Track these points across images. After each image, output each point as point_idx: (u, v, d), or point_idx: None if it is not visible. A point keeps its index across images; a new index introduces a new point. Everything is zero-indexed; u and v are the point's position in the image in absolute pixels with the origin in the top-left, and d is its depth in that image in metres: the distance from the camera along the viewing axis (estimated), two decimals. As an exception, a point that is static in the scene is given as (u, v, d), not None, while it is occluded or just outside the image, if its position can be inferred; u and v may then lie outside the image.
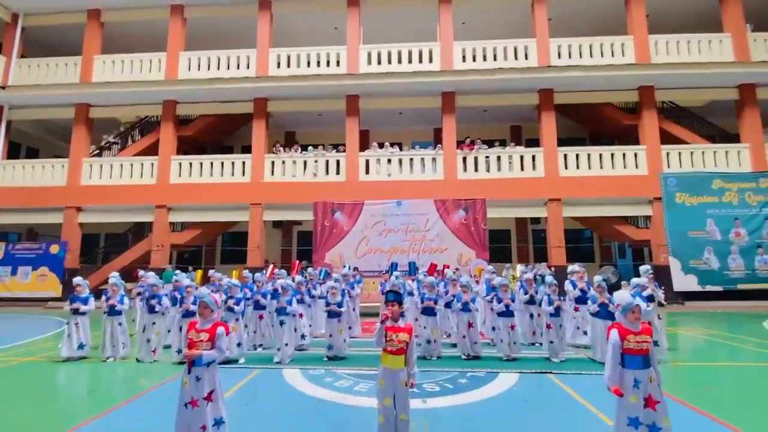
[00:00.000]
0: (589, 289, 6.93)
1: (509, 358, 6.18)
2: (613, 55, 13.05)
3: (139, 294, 7.96)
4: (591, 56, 13.10)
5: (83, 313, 6.48)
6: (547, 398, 4.65)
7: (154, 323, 6.43)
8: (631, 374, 2.96)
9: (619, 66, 12.74)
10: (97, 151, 15.17)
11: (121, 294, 6.65)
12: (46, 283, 13.47)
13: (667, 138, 13.26)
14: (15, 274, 13.64)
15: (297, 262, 10.20)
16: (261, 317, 7.16)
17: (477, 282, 8.66)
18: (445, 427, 3.82)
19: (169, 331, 6.92)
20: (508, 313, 6.33)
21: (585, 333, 6.97)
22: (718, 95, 13.38)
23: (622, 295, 3.17)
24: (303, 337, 7.01)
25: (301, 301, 7.23)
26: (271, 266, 9.19)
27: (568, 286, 7.18)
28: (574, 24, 14.63)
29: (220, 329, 3.30)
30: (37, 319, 11.04)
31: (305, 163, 13.67)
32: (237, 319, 6.45)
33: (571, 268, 7.38)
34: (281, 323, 6.23)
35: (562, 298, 6.39)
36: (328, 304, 6.54)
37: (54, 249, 13.67)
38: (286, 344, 6.20)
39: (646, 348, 2.98)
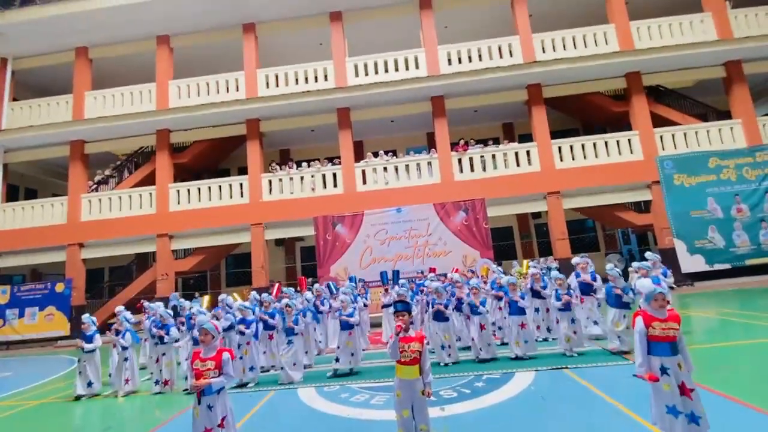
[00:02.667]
0: (595, 279, 6.89)
1: (522, 356, 6.13)
2: (596, 45, 13.15)
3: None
4: (575, 48, 13.21)
5: (91, 351, 6.45)
6: (566, 394, 4.60)
7: (164, 354, 6.39)
8: (658, 361, 2.94)
9: (604, 55, 12.83)
10: (95, 186, 15.25)
11: (126, 328, 6.62)
12: (53, 322, 13.44)
13: (659, 121, 13.31)
14: (22, 315, 13.61)
15: (303, 278, 10.18)
16: (271, 337, 7.11)
17: (485, 282, 8.63)
18: (465, 433, 3.78)
19: (179, 363, 6.86)
20: (519, 311, 6.30)
21: (595, 323, 6.94)
22: (704, 74, 13.45)
23: (644, 283, 3.16)
24: (306, 352, 6.98)
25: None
26: (277, 285, 9.17)
27: (571, 278, 7.14)
28: (555, 18, 14.80)
29: (226, 355, 3.30)
30: (48, 359, 11.00)
31: (302, 179, 13.72)
32: (248, 342, 6.40)
33: (573, 260, 7.37)
34: (289, 343, 6.19)
35: (569, 292, 6.35)
36: (341, 316, 6.50)
37: (59, 287, 13.67)
38: (294, 364, 6.15)
39: (673, 335, 2.95)
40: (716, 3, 13.05)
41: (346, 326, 6.41)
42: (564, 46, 13.27)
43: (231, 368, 3.31)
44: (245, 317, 6.50)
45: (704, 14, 13.08)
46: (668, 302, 6.25)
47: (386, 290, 8.62)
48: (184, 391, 6.11)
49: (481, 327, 6.35)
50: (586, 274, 7.01)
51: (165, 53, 14.39)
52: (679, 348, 2.97)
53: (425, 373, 3.22)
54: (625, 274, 12.18)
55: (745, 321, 7.43)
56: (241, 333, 6.38)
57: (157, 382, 6.32)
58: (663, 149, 12.87)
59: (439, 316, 6.42)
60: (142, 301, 9.32)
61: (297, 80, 13.85)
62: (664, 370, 2.91)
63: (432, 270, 9.88)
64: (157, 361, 6.38)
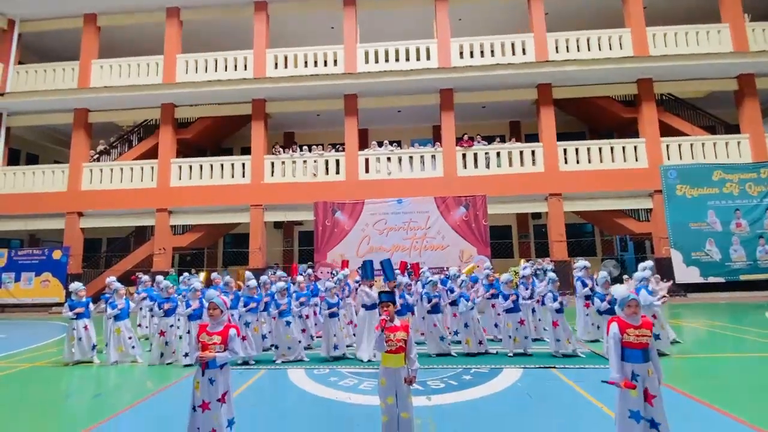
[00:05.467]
0: (593, 284, 6.98)
1: (523, 352, 6.19)
2: (611, 49, 13.02)
3: (144, 299, 7.98)
4: (589, 50, 13.08)
5: (87, 317, 6.50)
6: (552, 393, 4.66)
7: (171, 326, 6.46)
8: (630, 367, 2.96)
9: (617, 59, 12.71)
10: (97, 156, 15.20)
11: (126, 298, 6.68)
12: (49, 288, 13.52)
13: (666, 130, 13.25)
14: (18, 280, 13.69)
15: (347, 261, 10.11)
16: (274, 318, 7.17)
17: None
18: (450, 423, 3.84)
19: (180, 337, 6.90)
20: (515, 308, 6.35)
21: (598, 327, 7.01)
22: (717, 86, 13.35)
23: (619, 290, 3.17)
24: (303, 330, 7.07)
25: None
26: (292, 266, 9.17)
27: (577, 283, 7.20)
28: (571, 18, 14.60)
29: (232, 331, 3.32)
30: (42, 324, 11.09)
31: (305, 163, 13.68)
32: (257, 319, 6.45)
33: (577, 264, 7.39)
34: (287, 324, 6.25)
35: (561, 292, 6.40)
36: (329, 305, 6.53)
37: (57, 255, 13.72)
38: (289, 347, 6.23)
39: (646, 342, 2.97)
40: (735, 15, 12.88)
41: (334, 314, 6.46)
42: (578, 48, 13.14)
43: (237, 345, 3.32)
44: (253, 296, 6.54)
45: (722, 25, 12.92)
46: (654, 316, 6.34)
47: (370, 286, 6.57)
48: (185, 366, 6.12)
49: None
50: (590, 281, 7.08)
51: (174, 26, 14.20)
52: (651, 355, 2.99)
53: (411, 361, 3.24)
54: (620, 281, 12.26)
55: (733, 335, 7.50)
56: (252, 310, 6.43)
57: (162, 355, 6.39)
58: (668, 159, 12.83)
59: (435, 308, 6.48)
60: (137, 274, 9.39)
61: (306, 63, 13.72)
62: (633, 376, 2.94)
63: (402, 266, 9.63)
64: (162, 333, 6.39)
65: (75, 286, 6.66)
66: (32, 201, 13.98)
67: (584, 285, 7.13)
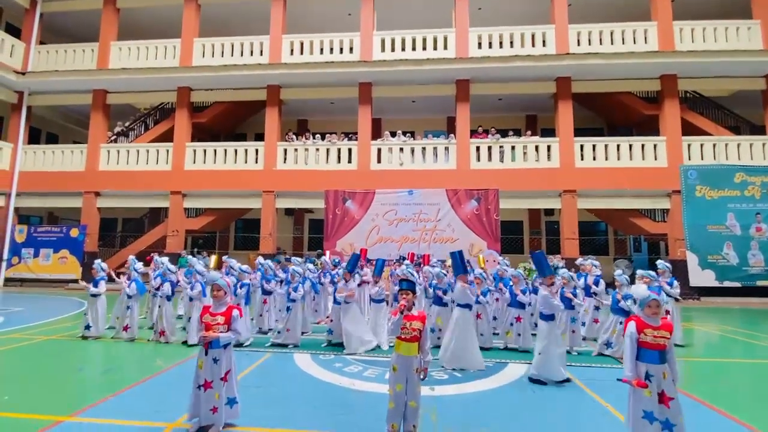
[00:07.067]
0: (597, 283, 6.88)
1: (516, 348, 6.17)
2: (635, 42, 12.62)
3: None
4: (612, 43, 12.70)
5: (96, 295, 6.67)
6: (555, 389, 4.63)
7: (159, 306, 6.61)
8: (644, 367, 2.94)
9: (641, 54, 12.33)
10: (114, 137, 15.44)
11: (134, 278, 6.81)
12: (66, 265, 13.91)
13: (688, 128, 12.86)
14: (37, 256, 14.11)
15: (365, 249, 10.24)
16: (265, 302, 7.29)
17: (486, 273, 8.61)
18: (452, 414, 3.85)
19: (180, 317, 7.04)
20: (517, 304, 6.30)
21: (583, 324, 6.96)
22: (744, 85, 12.88)
23: (639, 290, 3.12)
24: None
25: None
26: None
27: (580, 280, 7.12)
28: (595, 10, 14.17)
29: (235, 312, 3.38)
30: (59, 299, 11.42)
31: (317, 150, 13.68)
32: (245, 304, 6.57)
33: (577, 261, 7.33)
34: (287, 309, 6.34)
35: (574, 291, 6.33)
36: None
37: (74, 232, 14.07)
38: (288, 330, 6.30)
39: (663, 343, 2.93)
40: (767, 11, 12.35)
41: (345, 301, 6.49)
42: (600, 41, 12.76)
43: (240, 325, 3.40)
44: (241, 280, 6.66)
45: (753, 22, 12.41)
46: (668, 312, 6.27)
47: (346, 280, 6.32)
48: (183, 343, 6.30)
49: (478, 316, 6.38)
50: (590, 276, 6.99)
51: (192, 9, 14.22)
52: (668, 357, 2.96)
53: (424, 352, 3.27)
54: (633, 281, 12.08)
55: (745, 340, 7.35)
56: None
57: (155, 331, 6.56)
58: (689, 158, 12.48)
59: (439, 301, 6.47)
60: (152, 254, 9.55)
61: (322, 50, 13.63)
62: (647, 377, 2.91)
63: (411, 256, 9.73)
64: (152, 313, 6.62)
65: (96, 263, 6.87)
66: (51, 179, 14.32)
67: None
